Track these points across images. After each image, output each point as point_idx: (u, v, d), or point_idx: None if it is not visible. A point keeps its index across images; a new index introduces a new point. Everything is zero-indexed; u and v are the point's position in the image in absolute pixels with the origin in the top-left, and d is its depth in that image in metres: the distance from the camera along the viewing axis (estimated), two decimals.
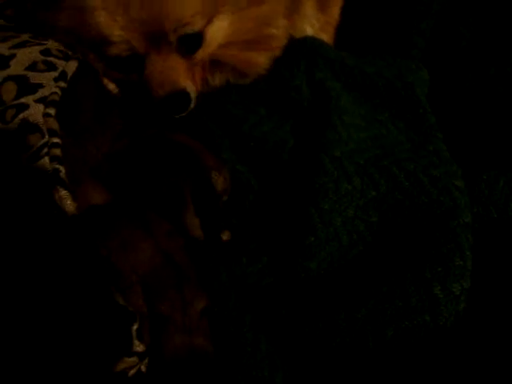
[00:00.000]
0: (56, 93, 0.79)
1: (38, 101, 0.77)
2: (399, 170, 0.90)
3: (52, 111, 0.77)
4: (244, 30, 0.96)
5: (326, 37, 1.16)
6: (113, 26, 0.85)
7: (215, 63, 0.99)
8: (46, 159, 0.72)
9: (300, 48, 1.04)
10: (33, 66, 0.81)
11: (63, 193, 0.70)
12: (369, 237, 0.87)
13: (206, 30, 0.91)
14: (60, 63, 0.84)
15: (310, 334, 0.79)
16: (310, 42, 1.06)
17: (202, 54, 0.93)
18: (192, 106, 0.94)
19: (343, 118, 0.95)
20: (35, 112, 0.76)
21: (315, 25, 1.14)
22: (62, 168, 0.72)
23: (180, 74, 0.91)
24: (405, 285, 0.79)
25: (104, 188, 0.84)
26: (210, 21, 0.91)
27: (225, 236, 0.86)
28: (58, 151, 0.73)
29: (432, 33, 1.14)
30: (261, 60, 1.01)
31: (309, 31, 1.12)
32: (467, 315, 0.80)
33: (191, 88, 0.93)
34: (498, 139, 1.01)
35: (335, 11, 1.19)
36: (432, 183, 0.89)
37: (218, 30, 0.93)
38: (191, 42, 0.91)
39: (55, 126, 0.76)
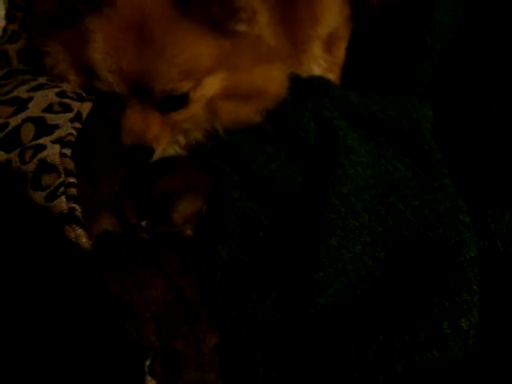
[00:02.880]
0: (72, 134, 0.82)
1: (54, 141, 0.80)
2: (405, 206, 0.92)
3: (68, 151, 0.80)
4: (237, 88, 0.95)
5: (333, 77, 1.19)
6: (103, 65, 0.87)
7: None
8: (63, 198, 0.75)
9: (307, 87, 1.06)
10: (49, 108, 0.84)
11: (79, 231, 0.73)
12: (377, 272, 0.88)
13: (192, 94, 0.92)
14: (75, 104, 0.87)
15: (319, 370, 0.79)
16: (317, 81, 1.08)
17: (184, 115, 0.94)
18: (154, 158, 0.94)
19: (350, 157, 0.96)
20: (52, 153, 0.79)
21: (322, 65, 1.17)
22: (77, 207, 0.75)
23: (150, 130, 0.91)
24: (413, 320, 0.80)
25: (115, 217, 0.86)
26: (197, 84, 0.91)
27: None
28: (74, 191, 0.76)
29: (435, 71, 1.16)
30: (250, 114, 1.00)
31: (316, 71, 1.15)
32: (476, 349, 0.80)
33: (157, 144, 0.93)
34: (503, 174, 1.02)
35: (341, 52, 1.22)
36: (438, 219, 0.90)
37: (206, 92, 0.93)
38: (173, 103, 0.92)
39: (71, 166, 0.78)
